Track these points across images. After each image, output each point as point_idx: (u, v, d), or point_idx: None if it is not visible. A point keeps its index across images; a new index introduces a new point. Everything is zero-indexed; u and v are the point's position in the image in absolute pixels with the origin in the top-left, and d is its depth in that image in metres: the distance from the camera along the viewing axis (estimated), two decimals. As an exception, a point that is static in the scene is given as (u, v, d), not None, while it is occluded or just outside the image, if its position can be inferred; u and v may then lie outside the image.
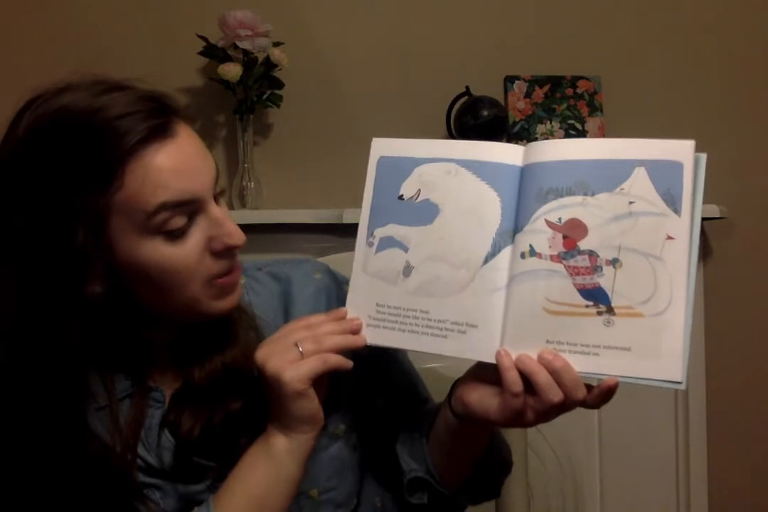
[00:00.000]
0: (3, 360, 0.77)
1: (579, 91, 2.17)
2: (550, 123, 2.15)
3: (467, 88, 2.09)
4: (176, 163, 0.75)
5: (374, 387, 0.94)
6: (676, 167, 0.74)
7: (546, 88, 2.17)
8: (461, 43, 2.16)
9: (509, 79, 2.16)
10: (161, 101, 0.78)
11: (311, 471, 0.86)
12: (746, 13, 2.24)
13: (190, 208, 0.76)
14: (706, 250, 2.20)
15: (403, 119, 2.10)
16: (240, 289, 0.83)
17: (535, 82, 2.17)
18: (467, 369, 0.83)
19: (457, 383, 0.83)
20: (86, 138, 0.73)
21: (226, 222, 0.78)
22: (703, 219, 2.14)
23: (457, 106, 2.10)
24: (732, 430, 2.18)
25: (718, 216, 2.05)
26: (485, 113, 2.04)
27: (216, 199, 0.80)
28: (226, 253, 0.79)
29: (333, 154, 2.10)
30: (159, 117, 0.75)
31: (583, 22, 2.20)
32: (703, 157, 0.75)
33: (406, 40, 2.16)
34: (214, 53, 2.01)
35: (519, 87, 2.16)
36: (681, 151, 0.74)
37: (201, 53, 2.01)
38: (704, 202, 2.26)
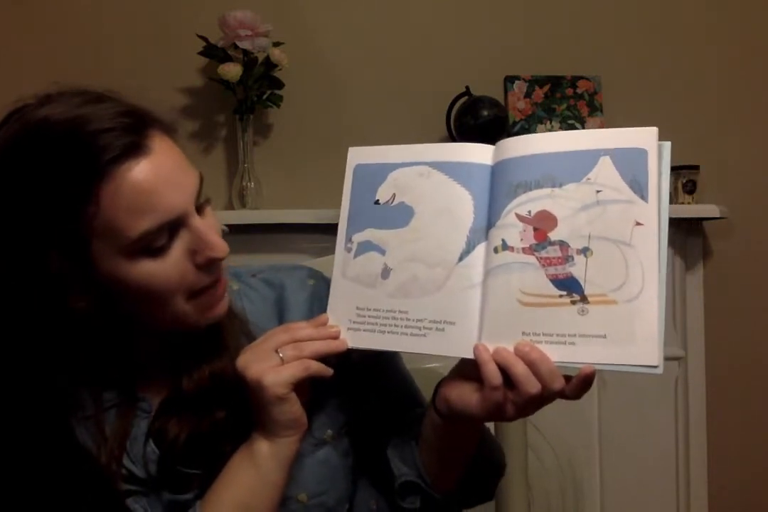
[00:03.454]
0: None
1: (579, 91, 2.17)
2: (550, 123, 2.15)
3: (467, 88, 2.09)
4: (153, 182, 0.73)
5: (367, 394, 0.94)
6: (640, 154, 0.74)
7: (546, 88, 2.17)
8: (461, 43, 2.16)
9: (509, 79, 2.16)
10: (137, 116, 0.75)
11: (298, 476, 0.86)
12: (746, 13, 2.24)
13: (172, 225, 0.75)
14: (706, 250, 2.20)
15: (403, 119, 2.10)
16: (228, 298, 0.82)
17: (535, 82, 2.17)
18: (451, 368, 0.83)
19: (441, 382, 0.83)
20: (58, 156, 0.71)
21: (208, 234, 0.77)
22: (703, 219, 2.15)
23: (457, 106, 2.10)
24: (732, 430, 2.18)
25: (718, 216, 2.05)
26: (485, 113, 2.04)
27: (201, 208, 0.79)
28: (210, 265, 0.78)
29: (333, 154, 2.09)
30: (133, 134, 0.73)
31: (583, 22, 2.20)
32: (667, 144, 0.75)
33: (406, 40, 2.16)
34: (214, 53, 2.01)
35: (519, 87, 2.16)
36: (644, 138, 0.75)
37: (201, 53, 2.02)
38: (704, 201, 2.24)
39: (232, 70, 1.95)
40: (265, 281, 0.94)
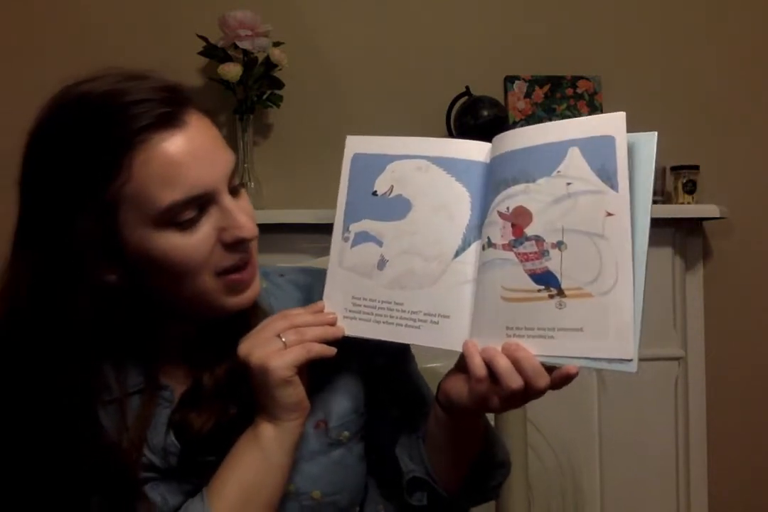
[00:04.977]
0: (15, 343, 0.77)
1: (579, 91, 2.17)
2: (550, 123, 2.15)
3: (467, 88, 2.09)
4: (185, 154, 0.75)
5: (381, 394, 0.95)
6: (607, 142, 0.73)
7: (546, 88, 2.17)
8: (461, 43, 2.16)
9: (509, 79, 2.16)
10: (175, 91, 0.78)
11: (313, 473, 0.87)
12: (746, 13, 2.24)
13: (202, 200, 0.76)
14: (706, 250, 2.21)
15: (403, 119, 2.10)
16: (258, 286, 0.84)
17: (535, 82, 2.17)
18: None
19: (444, 376, 0.85)
20: (94, 123, 0.74)
21: (238, 214, 0.78)
22: (703, 219, 2.15)
23: (457, 106, 2.10)
24: (732, 430, 2.19)
25: (718, 216, 2.05)
26: (485, 113, 2.04)
27: (236, 190, 0.81)
28: (238, 245, 0.79)
29: (333, 154, 2.09)
30: (170, 106, 0.76)
31: (583, 22, 2.20)
32: (652, 135, 0.73)
33: (406, 40, 2.16)
34: (214, 53, 2.01)
35: (519, 87, 2.16)
36: (611, 124, 0.73)
37: (201, 53, 2.02)
38: (704, 201, 2.23)
39: (232, 70, 1.95)
40: (292, 282, 0.95)
